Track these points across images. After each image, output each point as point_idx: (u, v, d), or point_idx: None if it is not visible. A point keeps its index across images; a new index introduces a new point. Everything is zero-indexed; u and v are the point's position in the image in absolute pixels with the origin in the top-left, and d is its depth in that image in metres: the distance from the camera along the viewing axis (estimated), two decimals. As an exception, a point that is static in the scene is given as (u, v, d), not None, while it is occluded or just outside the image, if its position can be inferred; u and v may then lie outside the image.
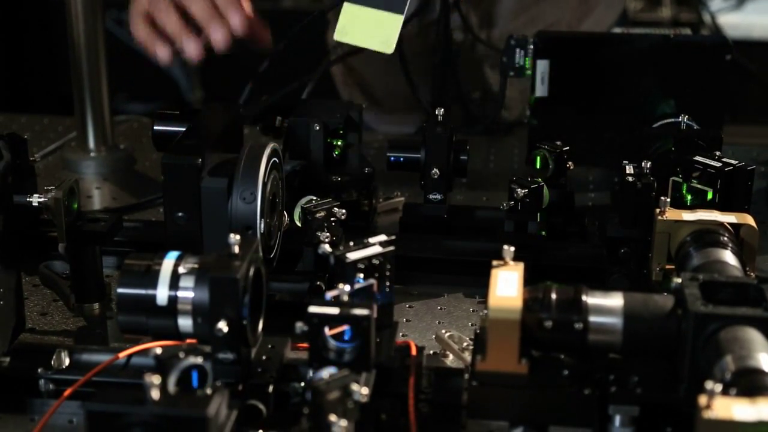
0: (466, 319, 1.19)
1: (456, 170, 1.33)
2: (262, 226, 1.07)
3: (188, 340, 0.95)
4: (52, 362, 1.01)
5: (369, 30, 1.20)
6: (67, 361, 1.01)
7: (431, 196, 1.33)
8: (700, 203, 1.19)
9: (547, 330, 0.94)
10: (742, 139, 1.71)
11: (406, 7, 1.19)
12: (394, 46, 1.19)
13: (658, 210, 1.13)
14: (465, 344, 1.10)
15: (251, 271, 0.93)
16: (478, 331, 1.02)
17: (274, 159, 1.12)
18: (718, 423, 0.77)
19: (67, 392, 0.97)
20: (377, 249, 1.00)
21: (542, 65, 1.47)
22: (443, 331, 1.12)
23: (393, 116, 1.81)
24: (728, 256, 1.06)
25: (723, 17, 2.77)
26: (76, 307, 1.19)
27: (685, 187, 1.21)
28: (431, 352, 1.11)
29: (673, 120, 1.36)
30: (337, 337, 0.91)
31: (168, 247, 0.99)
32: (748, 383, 0.82)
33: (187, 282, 0.95)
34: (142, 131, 1.75)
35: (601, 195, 1.50)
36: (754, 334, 0.88)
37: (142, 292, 0.95)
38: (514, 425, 0.96)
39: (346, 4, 1.20)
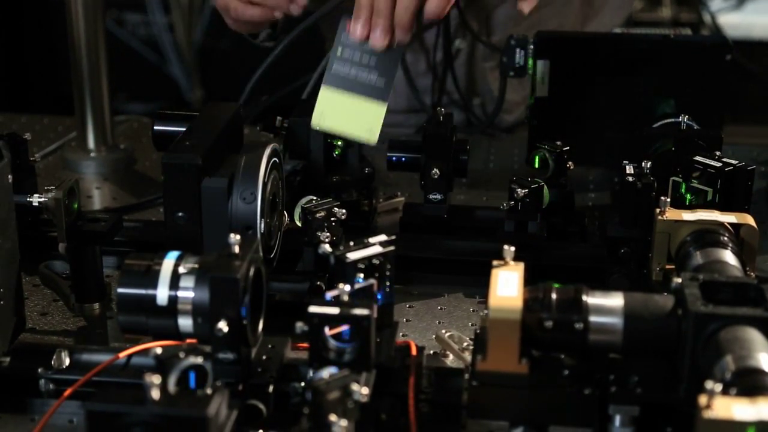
0: (467, 319, 1.19)
1: (456, 170, 1.33)
2: (262, 226, 1.07)
3: (188, 340, 0.95)
4: (53, 362, 1.01)
5: (350, 116, 1.16)
6: (67, 361, 1.01)
7: (431, 196, 1.33)
8: (700, 203, 1.19)
9: (548, 330, 0.94)
10: (742, 139, 1.71)
11: (390, 94, 1.16)
12: (378, 135, 1.16)
13: (658, 210, 1.13)
14: (465, 344, 1.10)
15: (251, 271, 0.93)
16: (478, 331, 1.02)
17: (274, 159, 1.12)
18: (719, 423, 0.77)
19: (67, 392, 0.97)
20: (377, 249, 1.00)
21: (542, 65, 1.47)
22: (443, 331, 1.12)
23: (393, 116, 1.81)
24: (728, 256, 1.06)
25: (723, 17, 2.77)
26: (76, 307, 1.19)
27: (685, 186, 1.21)
28: (431, 352, 1.11)
29: (673, 120, 1.36)
30: (338, 337, 0.91)
31: (168, 247, 0.99)
32: (748, 383, 0.82)
33: (187, 282, 0.95)
34: (142, 131, 1.75)
35: (601, 195, 1.50)
36: (754, 334, 0.88)
37: (143, 292, 0.95)
38: (515, 425, 0.96)
39: (323, 90, 1.17)
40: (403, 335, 1.14)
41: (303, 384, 0.95)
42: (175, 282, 0.95)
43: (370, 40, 1.15)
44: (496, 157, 1.66)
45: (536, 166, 1.31)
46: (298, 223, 1.22)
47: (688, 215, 1.12)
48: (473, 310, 1.21)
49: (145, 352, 0.98)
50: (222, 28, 1.67)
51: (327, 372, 0.87)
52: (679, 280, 0.94)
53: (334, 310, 0.90)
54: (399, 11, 1.10)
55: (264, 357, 0.99)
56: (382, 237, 1.02)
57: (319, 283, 1.13)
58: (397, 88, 1.75)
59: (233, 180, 1.07)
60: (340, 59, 1.16)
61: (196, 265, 0.96)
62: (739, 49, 1.74)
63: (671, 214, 1.12)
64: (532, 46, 1.46)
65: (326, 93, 1.17)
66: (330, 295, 0.92)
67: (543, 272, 1.09)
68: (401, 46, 1.15)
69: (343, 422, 0.83)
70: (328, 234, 1.14)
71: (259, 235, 1.06)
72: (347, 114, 1.16)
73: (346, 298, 0.92)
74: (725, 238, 1.08)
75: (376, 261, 1.00)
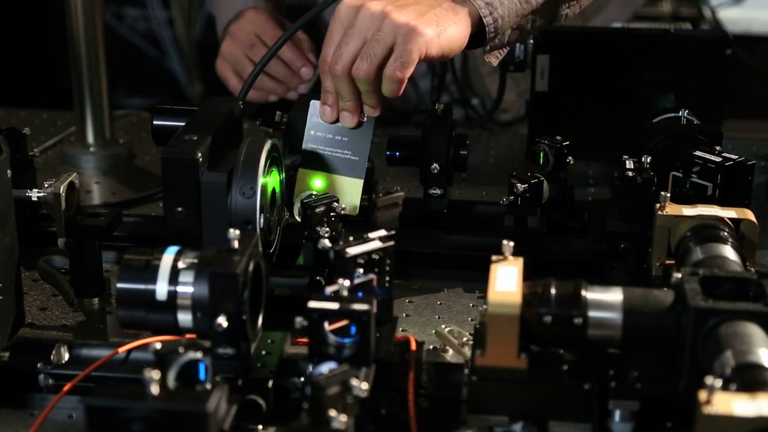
0: (466, 314, 1.19)
1: (456, 165, 1.33)
2: (262, 220, 1.07)
3: (188, 335, 0.95)
4: (52, 357, 1.01)
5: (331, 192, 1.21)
6: (66, 356, 1.01)
7: (431, 191, 1.32)
8: (700, 198, 1.19)
9: (547, 325, 0.93)
10: (742, 133, 1.71)
11: (365, 169, 1.21)
12: (358, 208, 1.21)
13: (658, 205, 1.13)
14: (464, 339, 1.10)
15: (251, 266, 0.93)
16: (477, 326, 1.02)
17: (274, 154, 1.12)
18: (718, 418, 0.77)
19: (66, 387, 0.97)
20: (377, 244, 1.00)
21: (542, 60, 1.47)
22: (443, 326, 1.12)
23: (393, 114, 1.81)
24: (728, 251, 1.06)
25: (723, 12, 2.77)
26: (75, 302, 1.19)
27: (685, 182, 1.21)
28: (431, 347, 1.11)
29: (673, 114, 1.36)
30: (337, 332, 0.91)
31: (167, 241, 0.99)
32: (748, 378, 0.82)
33: (186, 277, 0.95)
34: (141, 126, 1.75)
35: (601, 190, 1.50)
36: (754, 329, 0.88)
37: (142, 287, 0.95)
38: (514, 420, 0.95)
39: (300, 171, 1.22)
40: (402, 330, 1.14)
41: (302, 379, 0.94)
42: (174, 277, 0.95)
43: (340, 120, 1.19)
44: (496, 152, 1.66)
45: (536, 160, 1.31)
46: (298, 218, 1.22)
47: (687, 210, 1.12)
48: (473, 305, 1.21)
49: (144, 347, 0.97)
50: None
51: (326, 367, 0.87)
52: (679, 275, 0.94)
53: (334, 305, 0.90)
54: (363, 94, 1.16)
55: (263, 352, 0.99)
56: (382, 232, 1.02)
57: (318, 277, 1.13)
58: None
59: (232, 175, 1.07)
60: (314, 139, 1.22)
61: (196, 260, 0.96)
62: (739, 44, 1.74)
63: (671, 209, 1.12)
64: (531, 41, 1.46)
65: (304, 173, 1.22)
66: (329, 290, 0.92)
67: (542, 267, 1.09)
68: (371, 121, 1.20)
69: (343, 417, 0.83)
70: (327, 229, 1.14)
71: (258, 230, 1.06)
72: (326, 191, 1.21)
73: (345, 293, 0.92)
74: (725, 233, 1.08)
75: (375, 256, 0.99)
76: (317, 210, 1.15)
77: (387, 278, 1.01)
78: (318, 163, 1.22)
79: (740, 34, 2.62)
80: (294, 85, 1.56)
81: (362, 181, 1.22)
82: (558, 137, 1.31)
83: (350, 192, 1.21)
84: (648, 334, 0.93)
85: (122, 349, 0.98)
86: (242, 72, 1.58)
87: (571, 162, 1.31)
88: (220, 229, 0.99)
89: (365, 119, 1.19)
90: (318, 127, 1.22)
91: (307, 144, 1.22)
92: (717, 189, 1.18)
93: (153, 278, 0.95)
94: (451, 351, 1.09)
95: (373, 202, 1.38)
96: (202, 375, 0.87)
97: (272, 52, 1.33)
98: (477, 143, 1.64)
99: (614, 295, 0.94)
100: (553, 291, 0.94)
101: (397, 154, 1.34)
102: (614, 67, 1.48)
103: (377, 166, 1.37)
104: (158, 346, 0.87)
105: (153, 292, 0.95)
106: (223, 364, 0.93)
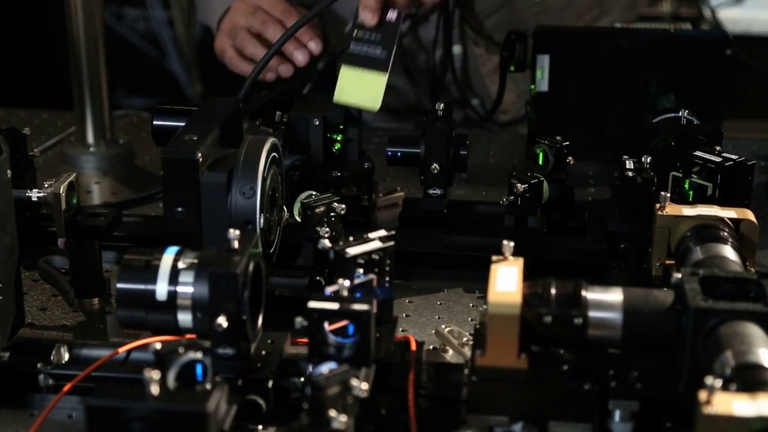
0: (466, 314, 1.19)
1: (456, 165, 1.33)
2: (262, 220, 1.07)
3: (188, 335, 0.95)
4: (52, 357, 1.01)
5: (361, 89, 1.29)
6: (66, 356, 1.01)
7: (431, 191, 1.32)
8: (700, 198, 1.19)
9: (547, 325, 0.93)
10: (742, 133, 1.71)
11: (390, 66, 1.28)
12: (380, 103, 1.29)
13: (658, 205, 1.13)
14: (465, 339, 1.10)
15: (251, 266, 0.93)
16: (477, 326, 1.01)
17: (274, 154, 1.12)
18: (718, 418, 0.76)
19: (66, 387, 0.97)
20: (377, 244, 1.00)
21: (542, 60, 1.47)
22: (443, 326, 1.12)
23: (393, 114, 1.81)
24: (728, 251, 1.06)
25: (723, 12, 2.77)
26: (75, 302, 1.19)
27: (685, 182, 1.20)
28: (431, 347, 1.11)
29: (673, 115, 1.36)
30: (337, 332, 0.91)
31: (167, 241, 0.99)
32: (748, 378, 0.82)
33: (186, 277, 0.95)
34: (141, 126, 1.75)
35: (601, 190, 1.49)
36: (754, 330, 0.88)
37: (142, 287, 0.95)
38: (514, 420, 0.95)
39: (344, 68, 1.30)
40: (402, 330, 1.14)
41: (302, 379, 0.95)
42: (174, 277, 0.95)
43: (363, 18, 1.28)
44: (496, 152, 1.66)
45: (536, 161, 1.31)
46: (298, 218, 1.22)
47: (687, 210, 1.12)
48: (473, 305, 1.21)
49: (144, 347, 0.97)
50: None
51: (326, 367, 0.87)
52: (679, 275, 0.94)
53: (334, 306, 0.90)
54: None
55: (263, 352, 0.99)
56: (382, 232, 1.02)
57: (318, 278, 1.13)
58: (399, 88, 1.75)
59: (232, 175, 1.07)
60: (357, 40, 1.30)
61: (196, 260, 0.96)
62: (739, 44, 1.74)
63: (671, 209, 1.12)
64: (532, 41, 1.46)
65: (345, 70, 1.30)
66: (329, 290, 0.92)
67: (543, 267, 1.09)
68: (398, 22, 1.28)
69: (343, 417, 0.83)
70: (327, 229, 1.14)
71: (258, 230, 1.06)
72: (359, 87, 1.29)
73: (345, 293, 0.92)
74: (725, 234, 1.08)
75: (375, 256, 0.99)
76: (317, 210, 1.15)
77: (387, 278, 1.01)
78: (356, 61, 1.30)
79: (740, 34, 2.62)
80: (289, 53, 1.50)
81: (387, 75, 1.28)
82: (558, 137, 1.31)
83: (375, 85, 1.28)
84: (648, 334, 0.93)
85: (122, 349, 0.98)
86: (234, 39, 1.53)
87: (571, 162, 1.31)
88: (220, 229, 0.99)
89: (393, 19, 1.28)
90: (361, 28, 1.30)
91: (351, 44, 1.30)
92: (717, 189, 1.18)
93: (153, 278, 0.95)
94: (451, 351, 1.09)
95: (373, 202, 1.38)
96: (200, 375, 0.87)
97: (284, 38, 1.36)
98: (477, 143, 1.64)
99: (614, 296, 0.94)
100: (553, 291, 0.94)
101: (398, 154, 1.34)
102: (614, 67, 1.48)
103: (377, 166, 1.37)
104: (158, 346, 0.87)
105: (153, 292, 0.95)
106: (223, 364, 0.93)
